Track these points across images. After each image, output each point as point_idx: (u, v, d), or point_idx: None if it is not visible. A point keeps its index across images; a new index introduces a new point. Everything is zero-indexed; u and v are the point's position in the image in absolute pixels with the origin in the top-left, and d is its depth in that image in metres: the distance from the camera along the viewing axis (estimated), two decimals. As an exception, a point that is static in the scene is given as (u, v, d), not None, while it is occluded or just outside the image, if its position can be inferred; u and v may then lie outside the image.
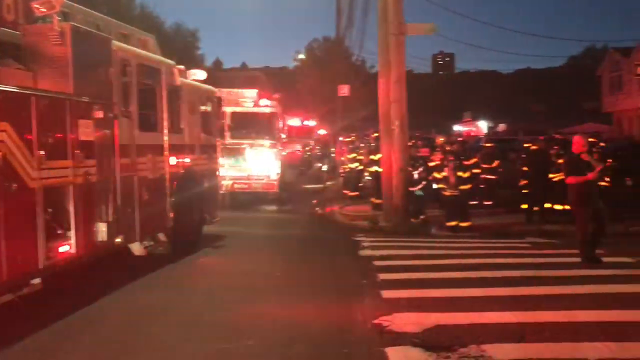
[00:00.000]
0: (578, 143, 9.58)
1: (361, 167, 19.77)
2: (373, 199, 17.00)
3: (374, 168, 17.13)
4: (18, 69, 6.80)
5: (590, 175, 9.19)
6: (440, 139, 15.74)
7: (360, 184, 20.31)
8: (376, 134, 19.27)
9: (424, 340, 5.96)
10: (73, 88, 7.07)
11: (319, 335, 6.30)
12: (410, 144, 15.07)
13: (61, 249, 6.98)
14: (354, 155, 20.52)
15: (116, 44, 8.29)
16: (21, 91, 6.36)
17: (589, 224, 9.28)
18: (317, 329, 6.47)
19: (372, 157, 17.46)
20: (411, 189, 14.20)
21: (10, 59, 6.86)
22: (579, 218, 9.50)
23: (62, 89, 6.98)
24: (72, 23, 7.30)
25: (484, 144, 19.38)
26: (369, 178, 18.02)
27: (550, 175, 14.45)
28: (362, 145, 21.53)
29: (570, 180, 9.38)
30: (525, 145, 16.71)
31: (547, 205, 14.49)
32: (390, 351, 5.72)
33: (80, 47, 7.18)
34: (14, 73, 6.61)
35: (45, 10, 6.93)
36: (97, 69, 7.69)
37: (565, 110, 59.84)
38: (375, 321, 6.59)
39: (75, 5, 8.29)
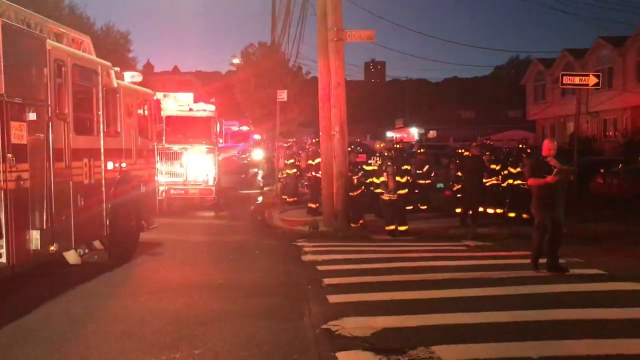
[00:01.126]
0: (545, 147, 9.30)
1: (299, 173, 19.80)
2: (310, 204, 17.03)
3: (312, 173, 17.18)
4: (-57, 67, 6.36)
5: (549, 178, 8.92)
6: (380, 145, 15.94)
7: (298, 190, 20.32)
8: (315, 140, 19.39)
9: (374, 343, 5.99)
10: (4, 88, 6.69)
11: (268, 341, 6.20)
12: (349, 149, 15.19)
13: (-9, 259, 6.57)
14: (292, 160, 20.50)
15: (51, 43, 7.92)
16: (-52, 90, 5.96)
17: (545, 230, 9.06)
18: (266, 336, 6.37)
19: (310, 162, 17.50)
20: (351, 193, 14.33)
21: None
22: (536, 222, 9.28)
23: (-8, 89, 6.58)
24: (3, 19, 6.90)
25: (417, 150, 19.82)
26: (306, 184, 18.05)
27: (484, 180, 14.97)
28: (300, 151, 21.55)
29: (531, 182, 9.26)
30: (459, 151, 17.22)
31: (480, 209, 14.98)
32: (341, 356, 5.72)
33: (12, 46, 6.80)
34: (-61, 71, 6.18)
35: (-26, 5, 6.52)
36: (30, 69, 7.31)
37: (491, 117, 62.09)
38: (324, 326, 6.56)
39: (6, 1, 7.85)
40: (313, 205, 16.83)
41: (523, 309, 7.14)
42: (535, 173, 9.20)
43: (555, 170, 9.01)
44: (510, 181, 14.87)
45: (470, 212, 14.89)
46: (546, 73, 41.23)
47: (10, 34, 6.77)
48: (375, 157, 14.80)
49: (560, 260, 9.20)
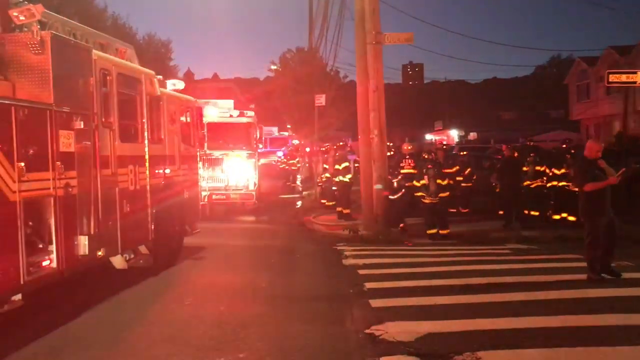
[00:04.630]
0: (592, 148, 8.68)
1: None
2: (339, 209, 16.99)
3: (339, 178, 17.14)
4: (-4, 79, 6.58)
5: (613, 180, 8.37)
6: (407, 147, 15.79)
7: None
8: (341, 144, 19.35)
9: (418, 349, 5.92)
10: (53, 98, 6.86)
11: (311, 346, 6.20)
12: (390, 153, 15.13)
13: (43, 264, 6.76)
14: (346, 164, 20.36)
15: (96, 53, 8.11)
16: (1, 101, 6.16)
17: (600, 237, 8.48)
18: (309, 340, 6.37)
19: (336, 166, 17.46)
20: (391, 197, 14.24)
21: (-13, 68, 6.64)
22: (590, 229, 8.59)
23: (42, 99, 6.77)
24: (52, 31, 7.11)
25: (459, 153, 19.59)
26: (335, 188, 18.01)
27: (526, 183, 14.68)
28: (326, 156, 21.41)
29: (589, 187, 8.45)
30: (500, 153, 16.94)
31: (524, 211, 14.70)
32: (386, 361, 5.67)
33: (60, 56, 6.99)
34: (-8, 83, 6.40)
35: (24, 18, 6.74)
36: (77, 79, 7.49)
37: (533, 118, 60.96)
38: (367, 331, 6.52)
39: (53, 14, 8.09)
40: (344, 210, 16.76)
41: (572, 313, 6.96)
42: (588, 176, 8.55)
43: (622, 170, 8.59)
44: (555, 183, 14.53)
45: (509, 214, 14.66)
46: (590, 71, 40.18)
47: (58, 45, 6.96)
48: (406, 160, 14.69)
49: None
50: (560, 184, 14.28)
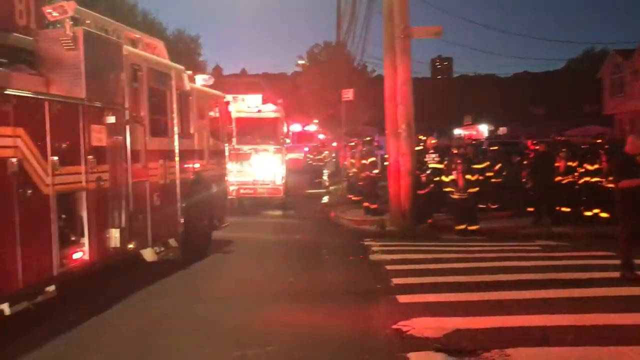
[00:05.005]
0: (634, 144, 8.48)
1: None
2: (366, 204, 16.94)
3: (366, 172, 17.08)
4: (30, 75, 6.72)
5: None
6: (431, 141, 15.64)
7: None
8: (368, 138, 19.29)
9: (446, 345, 5.88)
10: (85, 93, 6.99)
11: (338, 340, 6.22)
12: (419, 147, 15.03)
13: (75, 256, 6.91)
14: (373, 159, 20.32)
15: (127, 48, 8.23)
16: (35, 96, 6.30)
17: (634, 237, 8.20)
18: (336, 335, 6.39)
19: (363, 161, 17.40)
20: (419, 192, 14.14)
21: (22, 64, 6.78)
22: (625, 226, 8.41)
23: (74, 94, 6.90)
24: (84, 27, 7.22)
25: (489, 148, 19.34)
26: (361, 183, 17.97)
27: (558, 178, 14.43)
28: (353, 151, 21.35)
29: (625, 184, 8.28)
30: (532, 147, 16.67)
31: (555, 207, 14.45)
32: (413, 356, 5.65)
33: (92, 52, 7.10)
34: (27, 78, 6.53)
35: (57, 15, 6.85)
36: (108, 74, 7.61)
37: (565, 112, 59.83)
38: (395, 326, 6.50)
39: (85, 10, 8.21)
40: (371, 205, 16.70)
41: (603, 312, 6.82)
42: (625, 173, 8.35)
43: None
44: (587, 179, 14.25)
45: (540, 210, 14.44)
46: (625, 65, 39.21)
47: (90, 40, 7.07)
48: (430, 155, 14.54)
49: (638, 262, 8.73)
50: (593, 179, 14.00)
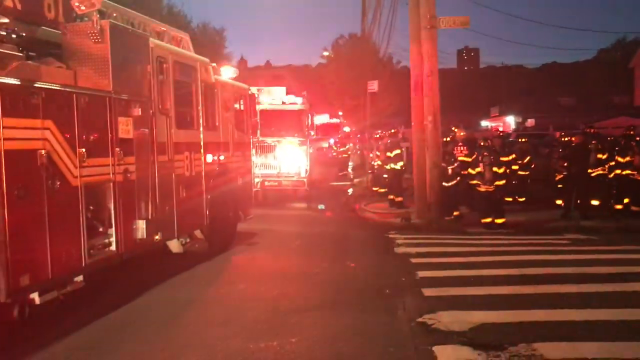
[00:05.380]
0: None
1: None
2: (390, 196, 16.86)
3: (390, 165, 16.99)
4: (59, 67, 6.79)
5: None
6: (461, 133, 15.45)
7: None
8: (393, 131, 19.17)
9: (472, 338, 5.84)
10: (112, 85, 7.04)
11: (362, 333, 6.21)
12: (448, 139, 14.88)
13: (103, 247, 6.99)
14: (397, 152, 20.21)
15: (153, 41, 8.27)
16: (64, 89, 6.38)
17: None
18: (361, 327, 6.38)
19: (388, 154, 17.30)
20: (445, 184, 14.01)
21: (51, 57, 6.87)
22: None
23: (101, 87, 6.96)
24: (111, 20, 7.29)
25: (519, 140, 19.03)
26: (386, 176, 17.87)
27: (589, 170, 14.15)
28: (380, 143, 21.23)
29: None
30: (564, 139, 16.35)
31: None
32: (438, 350, 5.61)
33: (118, 45, 7.15)
34: (56, 71, 6.60)
35: (85, 8, 6.91)
36: (135, 67, 7.67)
37: (594, 103, 58.66)
38: (420, 319, 6.48)
39: (112, 3, 8.28)
40: (396, 198, 16.62)
41: (633, 307, 6.69)
42: None
43: None
44: (618, 171, 13.96)
45: (574, 204, 14.18)
46: (658, 54, 38.30)
47: (116, 33, 7.13)
48: (459, 147, 14.40)
49: None
50: (624, 172, 13.71)
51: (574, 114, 51.99)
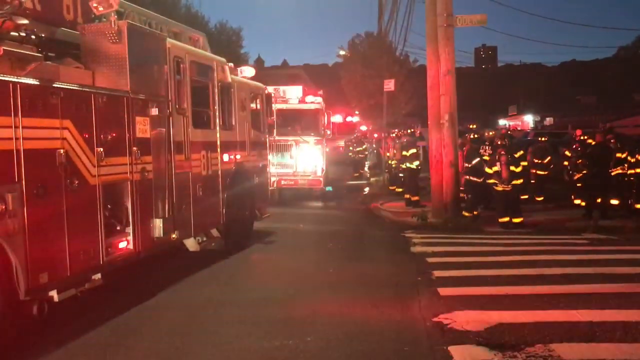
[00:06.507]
0: None
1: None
2: (407, 195, 16.81)
3: (406, 164, 16.93)
4: (77, 68, 6.88)
5: None
6: (490, 133, 15.38)
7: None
8: (411, 130, 19.11)
9: (488, 338, 5.79)
10: (130, 85, 7.12)
11: (378, 332, 6.19)
12: (475, 137, 14.78)
13: (120, 245, 7.07)
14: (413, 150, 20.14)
15: (170, 41, 8.34)
16: (82, 89, 6.45)
17: None
18: (375, 326, 6.37)
19: (404, 152, 17.24)
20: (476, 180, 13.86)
21: (69, 57, 6.96)
22: None
23: (119, 87, 7.04)
24: (129, 21, 7.36)
25: (539, 138, 18.86)
26: (401, 175, 17.82)
27: (610, 170, 13.97)
28: (397, 142, 21.17)
29: None
30: (583, 137, 16.16)
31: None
32: (454, 350, 5.57)
33: (136, 45, 7.22)
34: (74, 71, 6.69)
35: (103, 9, 7.00)
36: (152, 67, 7.74)
37: (614, 102, 57.90)
38: (435, 319, 6.44)
39: (130, 4, 8.37)
40: (412, 197, 16.57)
41: (654, 307, 6.60)
42: None
43: None
44: (638, 170, 13.76)
45: (593, 203, 14.00)
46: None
47: (134, 34, 7.20)
48: (484, 146, 14.29)
49: None
50: (643, 171, 13.51)
51: (592, 112, 51.42)
